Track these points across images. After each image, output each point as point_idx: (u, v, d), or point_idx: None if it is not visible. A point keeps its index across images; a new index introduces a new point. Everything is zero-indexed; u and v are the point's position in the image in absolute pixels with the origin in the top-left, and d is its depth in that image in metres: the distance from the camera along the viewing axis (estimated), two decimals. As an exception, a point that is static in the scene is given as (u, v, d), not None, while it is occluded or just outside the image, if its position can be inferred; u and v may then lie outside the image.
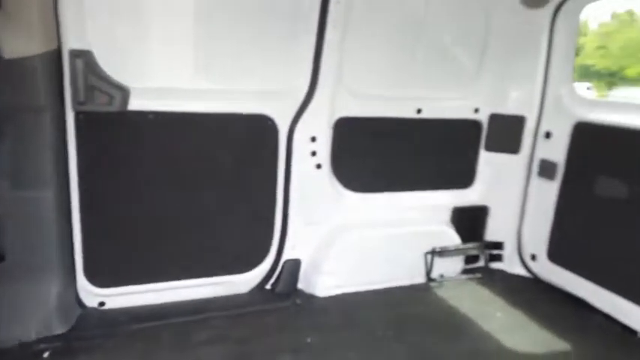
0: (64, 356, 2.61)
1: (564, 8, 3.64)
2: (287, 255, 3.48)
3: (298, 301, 3.37)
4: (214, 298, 3.32)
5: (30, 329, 2.67)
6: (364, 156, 3.61)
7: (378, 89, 3.55)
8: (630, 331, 3.20)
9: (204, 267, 3.28)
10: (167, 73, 2.94)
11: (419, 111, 3.68)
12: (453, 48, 3.73)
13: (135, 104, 2.88)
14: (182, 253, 3.20)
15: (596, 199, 3.45)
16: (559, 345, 3.06)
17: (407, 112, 3.67)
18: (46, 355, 2.58)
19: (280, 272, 3.48)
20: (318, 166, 3.41)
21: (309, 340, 2.91)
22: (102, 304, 3.08)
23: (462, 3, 3.65)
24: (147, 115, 2.93)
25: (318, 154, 3.38)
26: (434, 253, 3.72)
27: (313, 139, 3.35)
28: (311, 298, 3.43)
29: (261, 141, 3.25)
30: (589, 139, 3.54)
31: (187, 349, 2.76)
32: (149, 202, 3.06)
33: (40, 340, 2.67)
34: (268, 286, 3.49)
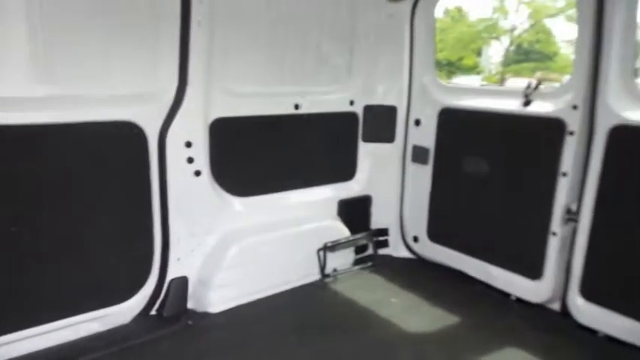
0: None
1: (422, 2, 3.85)
2: (172, 273, 3.14)
3: (190, 322, 3.08)
4: (95, 335, 2.86)
5: None
6: (246, 158, 3.42)
7: (253, 87, 3.38)
8: (505, 295, 3.52)
9: (75, 303, 2.80)
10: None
11: (297, 107, 3.60)
12: (324, 43, 3.72)
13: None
14: (46, 292, 2.68)
15: (464, 177, 3.73)
16: (450, 319, 3.24)
17: (285, 108, 3.57)
18: None
19: (166, 293, 3.13)
20: (197, 173, 3.13)
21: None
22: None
23: (328, -1, 3.66)
24: None
25: (195, 160, 3.10)
26: (326, 248, 3.69)
27: (189, 145, 3.06)
28: (204, 316, 3.15)
29: (128, 151, 2.87)
30: (453, 123, 3.80)
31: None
32: (12, 231, 2.50)
33: None
34: (154, 311, 3.12)
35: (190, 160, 3.08)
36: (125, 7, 2.70)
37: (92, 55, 2.65)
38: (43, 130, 2.54)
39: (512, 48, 21.55)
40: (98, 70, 2.68)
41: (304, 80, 3.61)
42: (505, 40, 21.27)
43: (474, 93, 3.88)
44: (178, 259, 3.15)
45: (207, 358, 2.71)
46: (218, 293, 3.19)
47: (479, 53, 22.20)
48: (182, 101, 2.97)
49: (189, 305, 3.22)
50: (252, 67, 3.33)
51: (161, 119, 2.94)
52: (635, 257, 2.86)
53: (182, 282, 3.18)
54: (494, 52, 22.68)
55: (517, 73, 19.60)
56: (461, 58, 20.15)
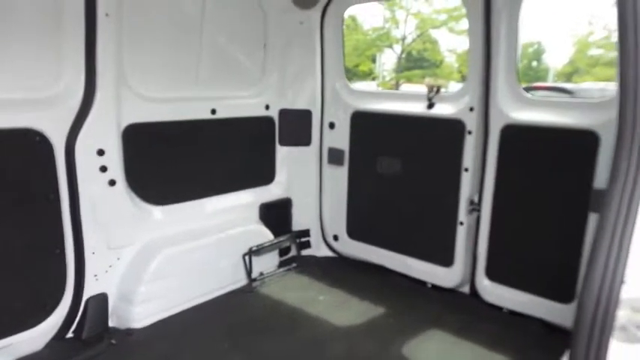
0: None
1: (330, 10, 4.01)
2: (89, 291, 2.92)
3: (113, 341, 2.88)
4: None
5: None
6: (163, 164, 3.30)
7: (167, 91, 3.28)
8: (421, 283, 3.78)
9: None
10: None
11: (213, 111, 3.55)
12: (236, 47, 3.72)
13: None
14: None
15: (378, 176, 3.94)
16: (376, 310, 3.40)
17: (201, 113, 3.50)
18: None
19: (83, 313, 2.90)
20: (112, 183, 2.95)
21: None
22: None
23: (237, 3, 3.65)
24: None
25: (109, 168, 2.92)
26: (251, 252, 3.67)
27: (101, 153, 2.87)
28: (128, 333, 2.97)
29: (30, 161, 2.62)
30: (365, 125, 4.00)
31: None
32: None
33: None
34: (70, 334, 2.88)
35: (104, 169, 2.89)
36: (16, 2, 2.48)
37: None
38: None
39: (404, 56, 23.01)
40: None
41: (219, 85, 3.58)
42: (397, 49, 22.64)
43: (382, 97, 4.12)
44: (95, 276, 2.94)
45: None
46: (142, 307, 3.03)
47: (373, 60, 23.37)
48: (91, 106, 2.79)
49: (111, 323, 3.02)
50: (165, 70, 3.23)
51: (68, 125, 2.73)
52: (528, 239, 3.25)
53: (101, 299, 2.97)
54: (388, 60, 24.05)
55: (409, 80, 21.00)
56: (357, 65, 21.06)
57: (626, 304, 1.06)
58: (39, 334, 2.74)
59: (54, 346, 2.78)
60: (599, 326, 1.04)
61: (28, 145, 2.61)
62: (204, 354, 2.80)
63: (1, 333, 2.57)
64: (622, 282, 1.06)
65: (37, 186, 2.66)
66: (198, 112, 3.48)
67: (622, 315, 1.07)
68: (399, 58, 23.01)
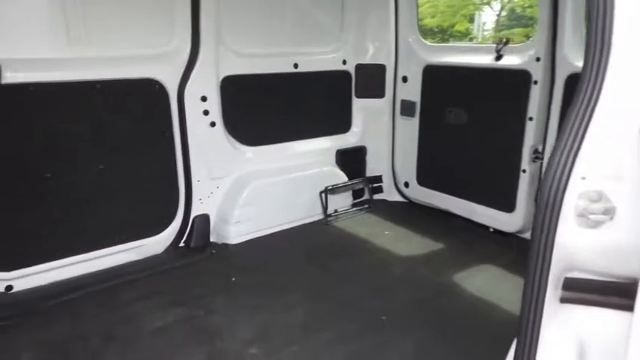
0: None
1: (404, -35, 4.25)
2: (196, 211, 3.65)
3: (214, 251, 3.60)
4: (132, 262, 3.38)
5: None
6: (253, 111, 3.89)
7: (256, 48, 3.82)
8: (484, 227, 4.04)
9: (115, 235, 3.31)
10: (39, 44, 2.86)
11: (296, 66, 4.05)
12: (317, 8, 4.15)
13: (10, 77, 2.77)
14: (91, 225, 3.20)
15: (446, 127, 4.20)
16: (436, 246, 3.77)
17: (285, 67, 4.01)
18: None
19: (191, 228, 3.65)
20: (212, 124, 3.61)
21: (233, 279, 3.20)
22: (9, 287, 2.97)
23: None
24: (25, 88, 2.84)
25: (210, 112, 3.57)
26: (327, 191, 4.19)
27: (204, 99, 3.52)
28: (225, 247, 3.68)
29: (152, 105, 3.34)
30: (436, 78, 4.25)
31: (117, 308, 2.85)
32: (46, 177, 2.99)
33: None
34: (182, 244, 3.64)
35: (206, 113, 3.55)
36: None
37: (117, 21, 3.10)
38: (79, 86, 3.00)
39: (504, 14, 21.69)
40: (123, 34, 3.14)
41: (301, 42, 4.06)
42: (496, 6, 21.39)
43: (453, 50, 4.33)
44: (200, 200, 3.65)
45: (232, 276, 3.23)
46: (235, 227, 3.71)
47: (471, 19, 22.33)
48: (196, 60, 3.43)
49: (212, 239, 3.75)
50: (254, 30, 3.77)
51: (179, 76, 3.40)
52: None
53: (204, 218, 3.70)
54: (486, 19, 22.80)
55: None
56: (453, 25, 20.32)
57: (584, 196, 1.37)
58: (160, 241, 3.53)
59: (170, 251, 3.56)
60: (556, 212, 1.35)
61: (150, 92, 3.31)
62: (285, 265, 3.41)
63: (135, 236, 3.39)
64: (582, 178, 1.36)
65: (156, 125, 3.37)
66: (283, 66, 3.99)
67: (581, 204, 1.38)
68: (498, 16, 21.70)
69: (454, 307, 2.91)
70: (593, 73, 1.24)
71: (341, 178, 4.35)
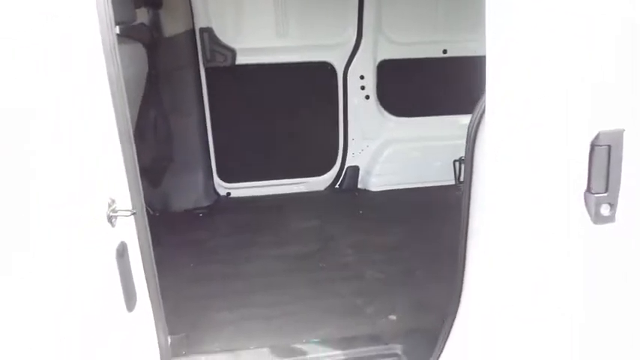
0: (210, 216, 4.31)
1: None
2: (349, 162, 4.88)
3: (357, 194, 4.78)
4: (304, 193, 4.81)
5: (189, 202, 4.39)
6: (402, 89, 4.83)
7: (410, 37, 4.72)
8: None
9: (296, 170, 4.77)
10: (259, 37, 4.42)
11: (445, 51, 4.80)
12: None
13: (241, 60, 4.41)
14: (281, 161, 4.73)
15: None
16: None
17: (435, 53, 4.81)
18: (200, 215, 4.29)
19: (344, 175, 4.89)
20: (367, 97, 4.72)
21: (360, 212, 4.34)
22: (228, 194, 4.73)
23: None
24: (249, 67, 4.45)
25: (366, 88, 4.69)
26: (460, 160, 4.86)
27: (362, 77, 4.65)
28: (366, 192, 4.82)
29: (325, 80, 4.64)
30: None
31: (285, 217, 4.28)
32: (256, 125, 4.59)
33: (195, 208, 4.38)
34: (337, 186, 4.93)
35: (362, 88, 4.68)
36: None
37: (307, 18, 4.45)
38: (284, 66, 4.48)
39: None
40: (311, 29, 4.47)
41: (450, 30, 4.77)
42: None
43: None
44: (353, 154, 4.85)
45: (361, 209, 4.37)
46: (376, 179, 4.80)
47: None
48: (359, 48, 4.57)
49: (359, 186, 4.92)
50: (408, 20, 4.66)
51: (345, 60, 4.60)
52: None
53: (355, 169, 4.89)
54: None
55: None
56: None
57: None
58: (323, 181, 4.86)
59: (328, 190, 4.87)
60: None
61: (325, 72, 4.61)
62: (405, 212, 4.33)
63: (307, 174, 4.79)
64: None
65: (327, 95, 4.67)
66: (433, 51, 4.80)
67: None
68: None
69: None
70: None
71: (477, 150, 4.94)
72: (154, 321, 2.02)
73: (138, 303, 1.94)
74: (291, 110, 4.63)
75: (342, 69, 4.63)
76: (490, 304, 1.97)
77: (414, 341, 2.45)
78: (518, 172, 1.90)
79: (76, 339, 1.76)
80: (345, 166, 4.89)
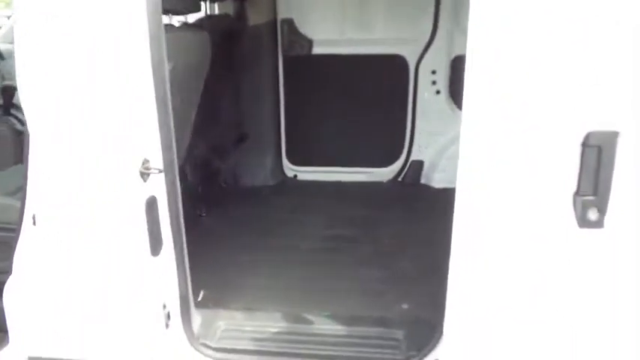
0: (275, 194, 4.67)
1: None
2: (414, 156, 4.89)
3: (418, 189, 4.79)
4: (366, 182, 4.95)
5: (257, 179, 4.79)
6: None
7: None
8: None
9: (361, 159, 4.93)
10: (334, 29, 4.61)
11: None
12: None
13: (317, 50, 4.65)
14: (347, 149, 4.91)
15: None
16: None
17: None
18: (265, 192, 4.68)
19: (408, 169, 4.92)
20: (437, 92, 4.68)
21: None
22: (295, 176, 5.04)
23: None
24: (324, 57, 4.67)
25: (437, 82, 4.65)
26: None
27: (434, 72, 4.62)
28: (428, 187, 4.81)
29: (397, 73, 4.70)
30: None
31: (345, 204, 4.46)
32: (327, 112, 4.83)
33: (262, 186, 4.77)
34: (400, 179, 4.98)
35: (434, 83, 4.65)
36: None
37: (384, 11, 4.54)
38: (358, 58, 4.63)
39: None
40: (385, 23, 4.56)
41: None
42: None
43: None
44: (419, 147, 4.86)
45: (428, 202, 4.41)
46: (439, 175, 4.75)
47: None
48: (432, 42, 4.54)
49: (422, 181, 4.92)
50: None
51: (418, 54, 4.61)
52: None
53: (419, 163, 4.89)
54: None
55: None
56: None
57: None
58: (387, 172, 4.94)
59: (390, 182, 4.93)
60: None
61: (398, 64, 4.67)
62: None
63: (375, 164, 4.91)
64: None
65: (398, 88, 4.73)
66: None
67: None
68: None
69: None
70: None
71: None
72: (176, 270, 2.37)
73: (163, 251, 2.31)
74: (361, 101, 4.77)
75: (415, 63, 4.64)
76: (480, 300, 2.02)
77: (417, 330, 2.52)
78: (511, 172, 1.91)
79: (108, 273, 2.22)
80: (410, 160, 4.92)
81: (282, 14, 4.61)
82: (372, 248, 3.62)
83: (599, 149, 1.78)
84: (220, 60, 3.77)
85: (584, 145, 1.80)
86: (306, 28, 4.63)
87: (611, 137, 1.75)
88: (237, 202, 4.36)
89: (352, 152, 4.92)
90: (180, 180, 2.35)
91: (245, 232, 3.82)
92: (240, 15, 4.48)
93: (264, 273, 3.26)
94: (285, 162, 5.01)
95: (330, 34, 4.64)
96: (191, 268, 2.47)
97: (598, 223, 1.81)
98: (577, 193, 1.86)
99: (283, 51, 4.68)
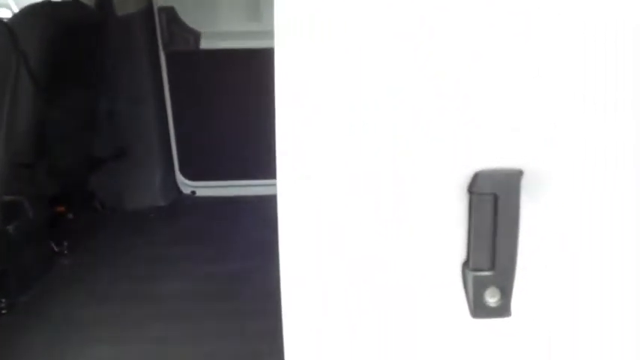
0: (165, 219, 3.91)
1: None
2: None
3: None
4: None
5: (144, 200, 4.01)
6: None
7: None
8: None
9: (270, 170, 4.21)
10: (225, 19, 3.87)
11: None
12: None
13: (205, 45, 3.90)
14: (251, 158, 4.17)
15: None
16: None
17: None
18: (151, 216, 3.90)
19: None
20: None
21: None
22: (193, 192, 4.29)
23: None
24: (214, 52, 3.92)
25: None
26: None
27: None
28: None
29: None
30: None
31: (247, 223, 3.74)
32: (227, 117, 4.08)
33: (150, 207, 3.99)
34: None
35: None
36: None
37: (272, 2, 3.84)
38: (244, 53, 3.89)
39: None
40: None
41: None
42: None
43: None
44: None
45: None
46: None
47: None
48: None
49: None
50: None
51: None
52: None
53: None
54: None
55: None
56: None
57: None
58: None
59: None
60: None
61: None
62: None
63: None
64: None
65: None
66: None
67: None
68: None
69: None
70: None
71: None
72: None
73: None
74: (268, 102, 4.06)
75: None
76: None
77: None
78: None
79: None
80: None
81: (159, 1, 3.82)
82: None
83: (495, 198, 1.04)
84: (78, 59, 3.01)
85: (471, 191, 1.06)
86: (191, 19, 3.86)
87: (514, 179, 1.02)
88: (108, 232, 3.57)
89: (257, 162, 4.20)
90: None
91: (103, 275, 3.05)
92: (103, 3, 3.66)
93: (109, 335, 2.51)
94: (180, 177, 4.25)
95: (221, 26, 3.90)
96: None
97: (501, 310, 1.09)
98: (467, 266, 1.12)
99: (164, 46, 3.90)
